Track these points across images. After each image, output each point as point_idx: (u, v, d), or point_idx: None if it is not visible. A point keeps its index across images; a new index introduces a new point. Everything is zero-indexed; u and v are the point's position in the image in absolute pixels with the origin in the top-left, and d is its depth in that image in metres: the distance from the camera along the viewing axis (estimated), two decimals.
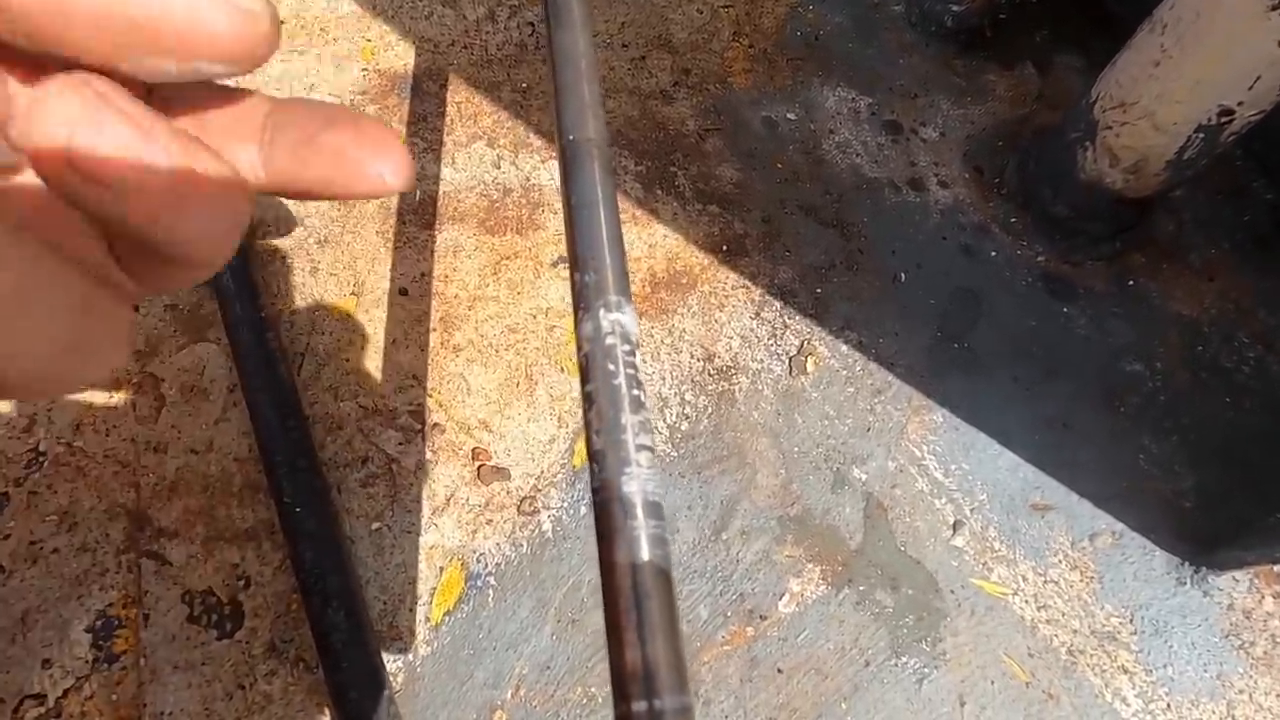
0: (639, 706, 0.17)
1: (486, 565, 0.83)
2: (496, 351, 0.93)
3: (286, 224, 0.97)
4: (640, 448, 0.20)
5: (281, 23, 1.10)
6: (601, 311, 0.22)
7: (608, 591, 0.18)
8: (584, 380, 0.21)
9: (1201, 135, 0.87)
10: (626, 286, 0.23)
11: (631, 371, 0.21)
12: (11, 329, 0.13)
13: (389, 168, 0.19)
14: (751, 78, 1.18)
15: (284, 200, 0.99)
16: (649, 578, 0.18)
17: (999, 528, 0.90)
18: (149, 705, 0.72)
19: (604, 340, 0.21)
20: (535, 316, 0.96)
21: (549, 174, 1.06)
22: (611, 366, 0.21)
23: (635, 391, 0.21)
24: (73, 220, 0.16)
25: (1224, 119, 0.84)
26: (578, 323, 0.23)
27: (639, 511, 0.19)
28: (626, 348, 0.22)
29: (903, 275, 1.04)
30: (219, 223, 0.16)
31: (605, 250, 0.23)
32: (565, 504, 0.87)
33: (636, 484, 0.19)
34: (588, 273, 0.23)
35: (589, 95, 0.27)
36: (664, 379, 0.95)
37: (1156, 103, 0.87)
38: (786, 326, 1.00)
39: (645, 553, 0.18)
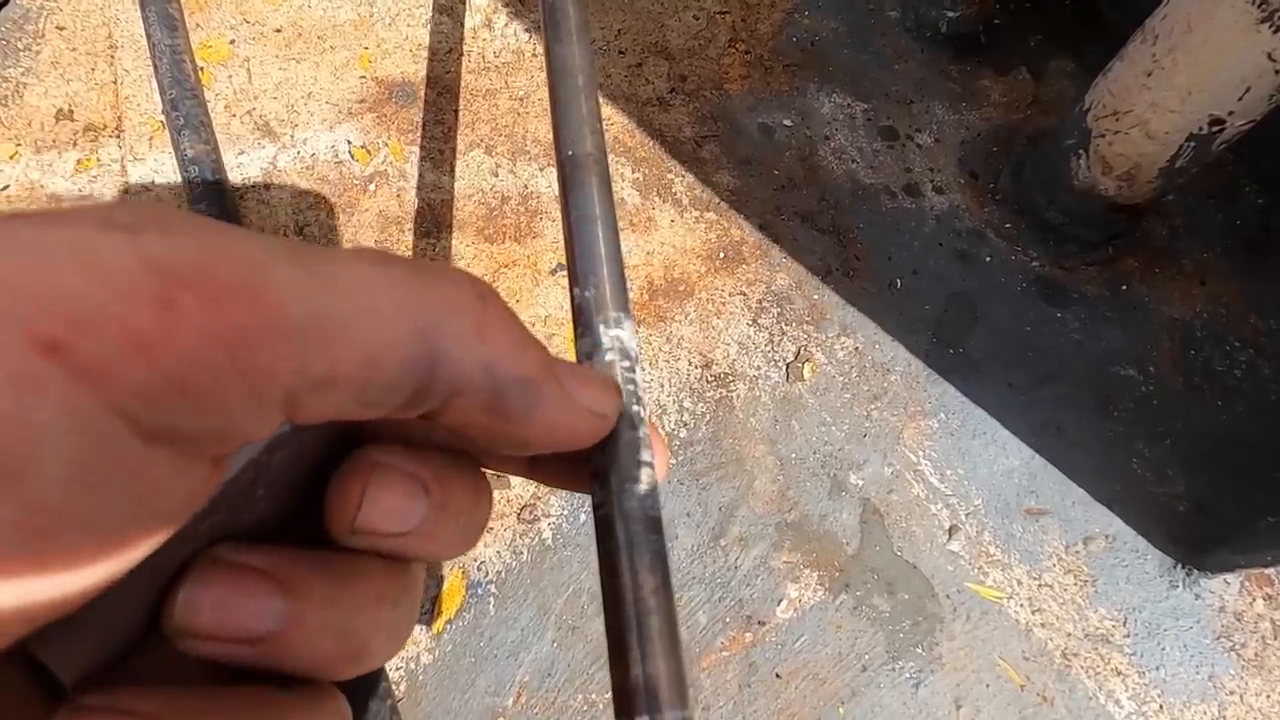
0: None
1: (487, 573, 0.84)
2: None
3: (284, 234, 0.97)
4: (640, 464, 0.20)
5: (280, 31, 1.11)
6: (601, 328, 0.22)
7: (609, 608, 0.18)
8: None
9: (1193, 144, 0.88)
10: (626, 302, 0.23)
11: (631, 388, 0.21)
12: None
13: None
14: (748, 84, 1.18)
15: (276, 209, 1.00)
16: (649, 594, 0.18)
17: (994, 532, 0.91)
18: None
19: (603, 357, 0.21)
20: (534, 324, 0.96)
21: (546, 181, 1.07)
22: None
23: (635, 408, 0.21)
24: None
25: (1215, 128, 0.85)
26: (577, 338, 0.22)
27: (639, 528, 0.19)
28: (626, 364, 0.21)
29: (899, 281, 1.05)
30: (470, 533, 0.19)
31: (604, 266, 0.23)
32: (565, 512, 0.87)
33: (636, 500, 0.19)
34: (587, 289, 0.22)
35: (587, 110, 0.27)
36: (662, 386, 0.95)
37: (1149, 112, 0.88)
38: (783, 333, 1.00)
39: (646, 569, 0.18)
